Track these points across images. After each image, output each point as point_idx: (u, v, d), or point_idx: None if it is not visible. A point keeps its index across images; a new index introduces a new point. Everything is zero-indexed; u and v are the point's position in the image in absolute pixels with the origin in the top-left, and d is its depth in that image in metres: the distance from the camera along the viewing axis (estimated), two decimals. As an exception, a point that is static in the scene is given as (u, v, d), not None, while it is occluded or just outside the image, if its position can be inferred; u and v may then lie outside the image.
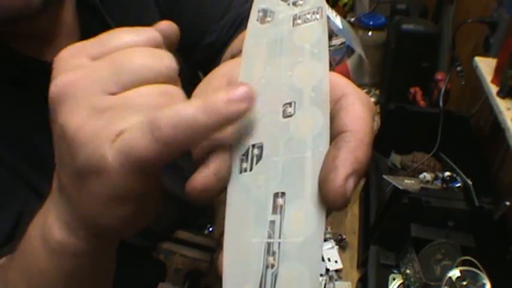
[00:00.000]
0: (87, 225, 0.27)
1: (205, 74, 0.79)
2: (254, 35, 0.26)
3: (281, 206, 0.20)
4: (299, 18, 0.25)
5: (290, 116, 0.22)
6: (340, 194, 0.19)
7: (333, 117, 0.22)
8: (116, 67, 0.25)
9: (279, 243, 0.19)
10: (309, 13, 0.25)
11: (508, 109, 0.62)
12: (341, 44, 1.25)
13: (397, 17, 1.12)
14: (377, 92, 1.27)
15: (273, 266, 0.19)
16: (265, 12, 0.27)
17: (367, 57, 1.27)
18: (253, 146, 0.22)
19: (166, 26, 0.30)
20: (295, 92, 0.22)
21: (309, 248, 0.18)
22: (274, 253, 0.19)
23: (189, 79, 0.68)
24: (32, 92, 0.52)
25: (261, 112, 0.23)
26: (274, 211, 0.20)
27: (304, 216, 0.19)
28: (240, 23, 0.61)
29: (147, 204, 0.27)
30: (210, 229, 0.91)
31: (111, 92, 0.25)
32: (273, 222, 0.19)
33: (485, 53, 0.80)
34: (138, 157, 0.22)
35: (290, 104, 0.22)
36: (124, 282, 0.66)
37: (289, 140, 0.21)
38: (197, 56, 0.65)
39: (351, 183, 0.19)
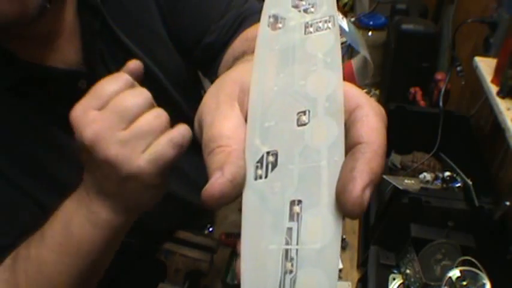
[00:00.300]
0: (128, 207, 0.43)
1: (205, 73, 0.79)
2: (265, 41, 0.26)
3: (298, 214, 0.20)
4: (311, 26, 0.26)
5: (304, 124, 0.22)
6: (358, 204, 0.20)
7: (348, 128, 0.22)
8: (118, 113, 0.39)
9: (297, 249, 0.19)
10: (320, 21, 0.26)
11: (508, 109, 0.62)
12: (341, 44, 1.25)
13: (397, 17, 1.12)
14: (377, 92, 1.27)
15: (291, 271, 0.19)
16: (276, 18, 0.27)
17: (367, 57, 1.27)
18: (268, 153, 0.22)
19: (133, 65, 0.44)
20: (309, 101, 0.23)
21: (327, 255, 0.19)
22: (292, 259, 0.19)
23: (188, 79, 0.69)
24: (31, 99, 0.52)
25: (275, 119, 0.23)
26: (291, 218, 0.20)
27: (321, 224, 0.20)
28: (239, 23, 0.61)
29: (163, 186, 0.43)
30: (210, 229, 0.91)
31: (123, 128, 0.39)
32: (290, 229, 0.20)
33: (485, 53, 0.80)
34: (165, 159, 0.39)
35: (304, 112, 0.22)
36: (125, 282, 0.66)
37: (304, 148, 0.21)
38: (197, 55, 0.65)
39: (367, 193, 0.20)
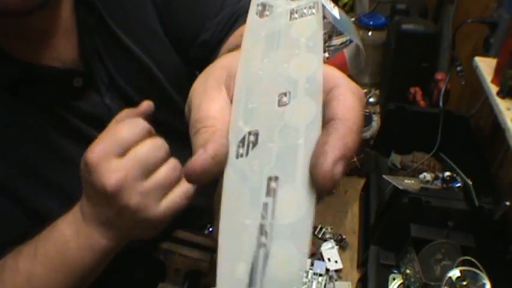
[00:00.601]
0: (129, 237, 0.47)
1: (201, 71, 0.79)
2: (253, 28, 0.27)
3: (274, 190, 0.21)
4: (296, 12, 0.27)
5: (285, 105, 0.23)
6: (329, 177, 0.20)
7: (325, 107, 0.23)
8: (140, 164, 0.42)
9: (271, 224, 0.20)
10: (305, 8, 0.27)
11: (508, 109, 0.62)
12: (341, 44, 1.25)
13: (397, 17, 1.12)
14: (377, 92, 1.27)
15: (265, 245, 0.20)
16: (264, 6, 0.28)
17: (367, 58, 1.26)
18: (250, 133, 0.23)
19: (146, 106, 0.47)
20: (290, 82, 0.24)
21: (299, 229, 0.19)
22: (266, 233, 0.20)
23: (186, 79, 0.69)
24: (26, 99, 0.51)
25: (258, 101, 0.24)
26: (268, 194, 0.21)
27: (295, 199, 0.20)
28: (234, 21, 0.62)
29: (165, 223, 0.48)
30: (210, 229, 0.90)
31: (145, 179, 0.43)
32: (266, 204, 0.20)
33: (485, 53, 0.80)
34: (179, 208, 0.45)
35: (285, 94, 0.23)
36: (124, 282, 0.66)
37: (284, 127, 0.22)
38: (193, 53, 0.65)
39: (339, 167, 0.21)
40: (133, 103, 0.62)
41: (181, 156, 0.70)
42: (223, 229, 0.21)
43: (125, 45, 0.58)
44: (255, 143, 0.22)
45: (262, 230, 0.20)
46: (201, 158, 0.22)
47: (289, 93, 0.23)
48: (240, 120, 0.24)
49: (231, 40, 0.60)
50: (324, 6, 0.28)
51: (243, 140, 0.23)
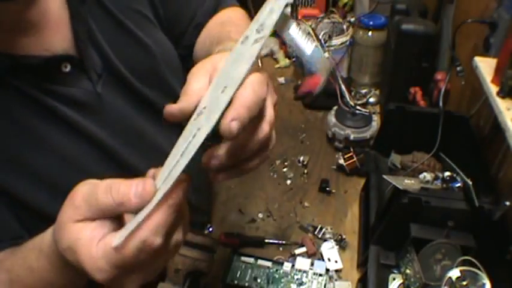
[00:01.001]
0: None
1: (191, 56, 0.84)
2: (234, 51, 0.43)
3: (195, 135, 0.36)
4: (255, 40, 0.40)
5: (223, 92, 0.37)
6: (225, 128, 0.35)
7: None
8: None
9: (187, 150, 0.37)
10: (261, 38, 0.40)
11: (508, 109, 0.61)
12: (341, 44, 1.25)
13: (397, 17, 1.12)
14: (377, 92, 1.27)
15: (182, 155, 0.37)
16: (246, 38, 0.42)
17: (367, 57, 1.27)
18: (204, 107, 0.38)
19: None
20: (231, 79, 0.38)
21: (189, 151, 0.36)
22: (183, 154, 0.37)
23: (181, 69, 0.72)
24: (12, 89, 0.51)
25: (214, 90, 0.39)
26: (193, 137, 0.37)
27: (199, 138, 0.36)
28: (217, 6, 0.75)
29: None
30: (210, 229, 0.91)
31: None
32: (189, 141, 0.37)
33: (485, 53, 0.80)
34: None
35: (226, 86, 0.38)
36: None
37: (216, 104, 0.37)
38: (186, 39, 0.72)
39: (233, 124, 0.35)
40: (128, 87, 0.62)
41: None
42: (173, 150, 0.39)
43: (120, 21, 0.60)
44: (202, 113, 0.38)
45: (183, 153, 0.36)
46: (174, 106, 0.38)
47: (227, 85, 0.38)
48: (203, 100, 0.39)
49: (212, 27, 0.72)
50: (295, 40, 0.43)
51: (199, 111, 0.38)
